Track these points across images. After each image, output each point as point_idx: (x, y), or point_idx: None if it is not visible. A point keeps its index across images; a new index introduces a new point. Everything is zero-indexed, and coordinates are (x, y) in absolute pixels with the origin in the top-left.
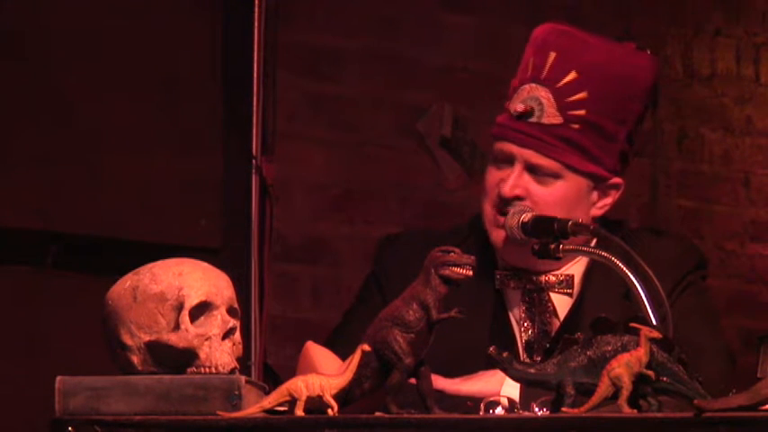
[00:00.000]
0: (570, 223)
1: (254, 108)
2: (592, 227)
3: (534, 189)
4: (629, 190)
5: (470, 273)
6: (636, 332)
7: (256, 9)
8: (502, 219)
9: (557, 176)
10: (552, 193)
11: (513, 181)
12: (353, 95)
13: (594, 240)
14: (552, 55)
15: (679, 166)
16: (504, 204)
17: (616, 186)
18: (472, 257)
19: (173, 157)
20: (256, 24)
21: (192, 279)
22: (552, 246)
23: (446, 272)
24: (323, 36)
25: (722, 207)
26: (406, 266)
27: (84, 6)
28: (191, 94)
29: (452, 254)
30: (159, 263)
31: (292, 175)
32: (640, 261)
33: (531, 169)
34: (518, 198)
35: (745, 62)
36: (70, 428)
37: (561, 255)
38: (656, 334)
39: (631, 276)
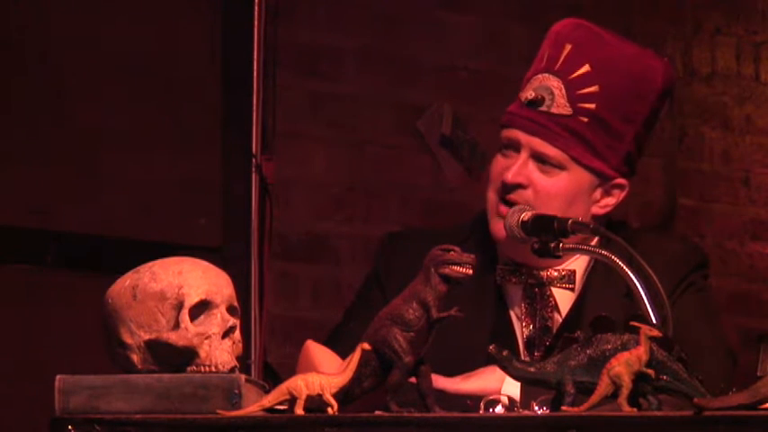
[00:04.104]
0: (570, 222)
1: (254, 107)
2: (591, 225)
3: (537, 178)
4: (629, 188)
5: (470, 271)
6: (636, 331)
7: (256, 9)
8: (504, 208)
9: (561, 167)
10: (555, 184)
11: (517, 168)
12: (353, 95)
13: (596, 239)
14: (567, 47)
15: (679, 164)
16: (506, 191)
17: (620, 187)
18: (472, 256)
19: (172, 156)
20: (256, 24)
21: (192, 278)
22: (552, 244)
23: (446, 270)
24: (323, 35)
25: (722, 206)
26: (408, 264)
27: (84, 6)
28: (191, 94)
29: (452, 252)
30: (159, 261)
31: (292, 175)
32: (641, 261)
33: (537, 158)
34: (520, 186)
35: (744, 61)
36: (70, 427)
37: (561, 253)
38: (655, 332)
39: (631, 275)
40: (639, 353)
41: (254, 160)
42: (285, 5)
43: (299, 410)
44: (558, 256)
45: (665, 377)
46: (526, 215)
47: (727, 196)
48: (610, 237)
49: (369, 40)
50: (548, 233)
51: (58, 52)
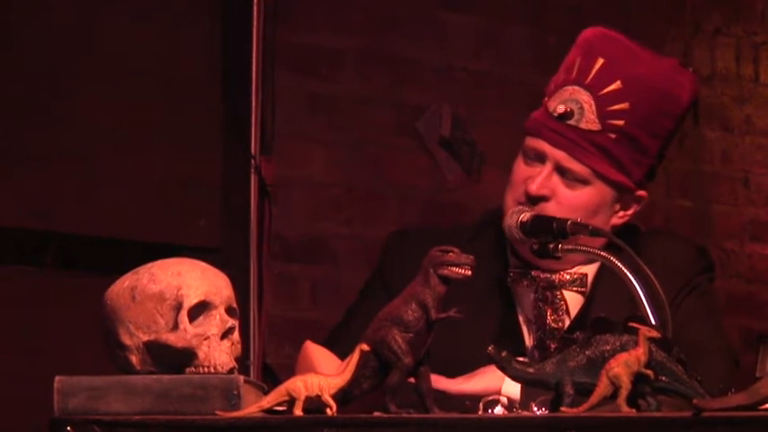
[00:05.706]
0: (569, 223)
1: (254, 108)
2: (590, 227)
3: (561, 191)
4: (647, 199)
5: (469, 273)
6: (635, 332)
7: (256, 9)
8: None
9: (585, 182)
10: (578, 197)
11: (541, 180)
12: (353, 95)
13: (599, 242)
14: (600, 61)
15: (679, 165)
16: (529, 202)
17: (640, 199)
18: (471, 257)
19: (172, 156)
20: (256, 24)
21: (191, 279)
22: (551, 245)
23: (445, 271)
24: (322, 36)
25: (722, 207)
26: (413, 263)
27: (84, 6)
28: (191, 94)
29: (451, 253)
30: (158, 262)
31: (292, 175)
32: (640, 262)
33: (561, 171)
34: (543, 198)
35: (744, 62)
36: (69, 428)
37: (560, 254)
38: (654, 333)
39: (630, 277)
40: (638, 354)
41: (253, 161)
42: (285, 6)
43: (298, 411)
44: (558, 258)
45: (664, 378)
46: (525, 216)
47: (726, 197)
48: (610, 238)
49: (369, 40)
50: (547, 234)
51: (58, 52)
